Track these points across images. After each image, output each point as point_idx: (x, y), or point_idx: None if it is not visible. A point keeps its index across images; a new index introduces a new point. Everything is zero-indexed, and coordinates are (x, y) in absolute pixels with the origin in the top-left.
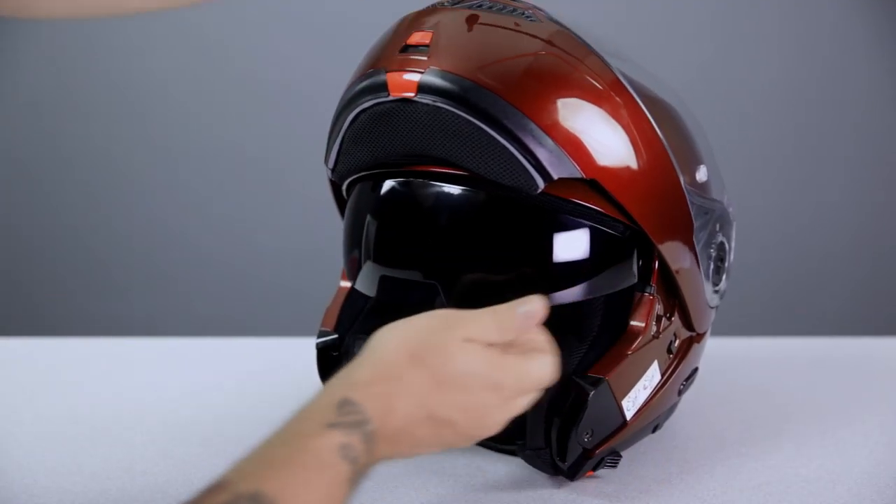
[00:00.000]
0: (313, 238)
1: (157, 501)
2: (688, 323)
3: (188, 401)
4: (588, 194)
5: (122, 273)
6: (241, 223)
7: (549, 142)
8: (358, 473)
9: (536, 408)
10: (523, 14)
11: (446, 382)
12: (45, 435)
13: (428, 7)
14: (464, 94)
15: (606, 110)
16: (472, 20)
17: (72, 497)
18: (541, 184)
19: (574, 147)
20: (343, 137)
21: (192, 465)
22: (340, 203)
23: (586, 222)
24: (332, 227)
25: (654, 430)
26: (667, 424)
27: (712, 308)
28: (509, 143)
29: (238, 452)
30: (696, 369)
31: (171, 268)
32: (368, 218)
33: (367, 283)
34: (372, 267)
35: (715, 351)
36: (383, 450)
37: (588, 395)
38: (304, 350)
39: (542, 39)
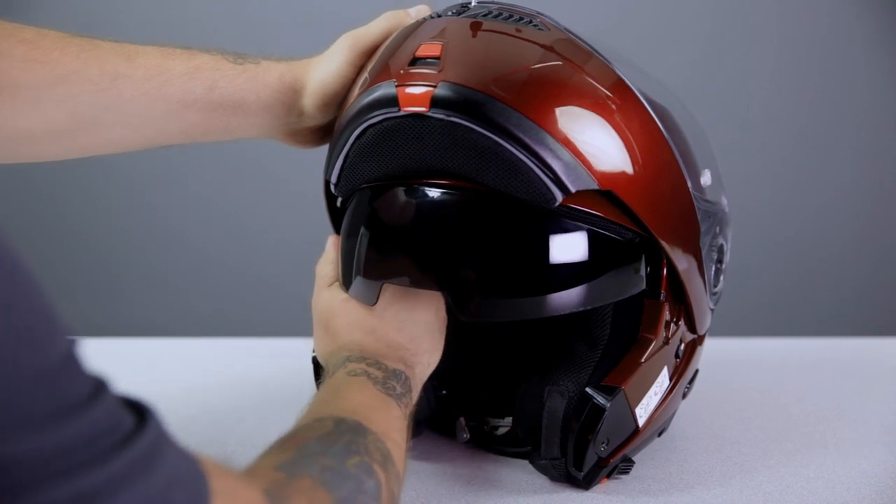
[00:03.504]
0: (313, 238)
1: None
2: (691, 326)
3: (188, 401)
4: (599, 203)
5: (122, 273)
6: (241, 223)
7: (567, 154)
8: (380, 383)
9: (552, 419)
10: (530, 22)
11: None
12: None
13: (431, 16)
14: (478, 107)
15: (619, 119)
16: (477, 30)
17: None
18: (559, 197)
19: (590, 159)
20: (348, 153)
21: None
22: (333, 212)
23: (595, 230)
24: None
25: (659, 434)
26: None
27: (711, 310)
28: (526, 156)
29: (238, 451)
30: (696, 371)
31: (171, 268)
32: (371, 230)
33: (364, 292)
34: (369, 280)
35: (715, 352)
36: (390, 363)
37: (606, 405)
38: (303, 350)
39: (552, 49)
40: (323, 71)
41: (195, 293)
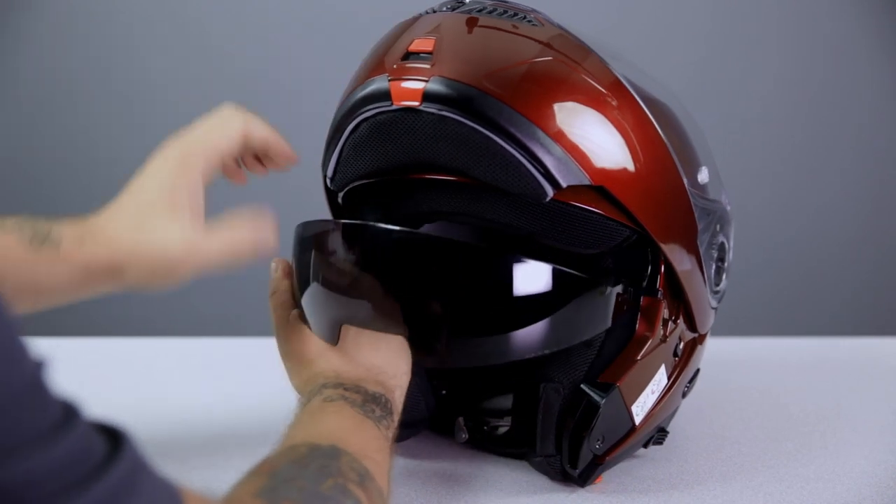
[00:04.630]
0: None
1: None
2: (692, 325)
3: (188, 401)
4: (593, 199)
5: None
6: None
7: (558, 149)
8: (358, 405)
9: (547, 415)
10: (524, 18)
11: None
12: None
13: (426, 11)
14: (470, 102)
15: (611, 115)
16: (473, 25)
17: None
18: (550, 192)
19: (581, 154)
20: (343, 147)
21: (191, 464)
22: (335, 208)
23: (558, 268)
24: None
25: (660, 432)
26: None
27: (713, 309)
28: (517, 151)
29: (238, 451)
30: (698, 370)
31: None
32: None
33: (327, 332)
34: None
35: (715, 351)
36: (370, 387)
37: (600, 402)
38: None
39: (544, 44)
40: (150, 242)
41: (195, 293)
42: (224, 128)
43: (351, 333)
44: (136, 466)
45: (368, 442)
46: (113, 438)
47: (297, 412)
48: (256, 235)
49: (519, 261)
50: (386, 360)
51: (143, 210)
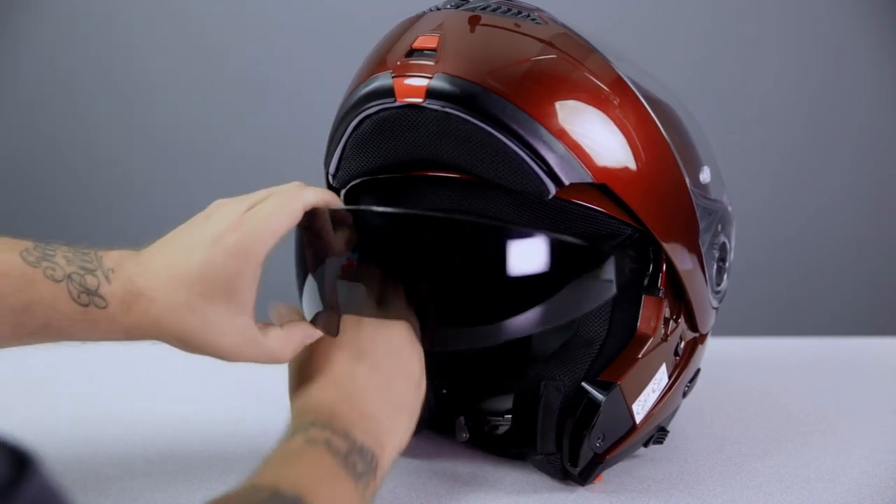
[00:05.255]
0: None
1: (158, 501)
2: (692, 324)
3: (187, 401)
4: (595, 197)
5: None
6: None
7: (560, 147)
8: (340, 456)
9: (548, 413)
10: (528, 16)
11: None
12: (45, 435)
13: (430, 9)
14: (474, 99)
15: (614, 114)
16: (476, 23)
17: (72, 497)
18: (552, 189)
19: (583, 152)
20: (346, 143)
21: (192, 464)
22: None
23: (552, 236)
24: None
25: (661, 431)
26: None
27: (714, 308)
28: (520, 148)
29: (238, 451)
30: (698, 370)
31: None
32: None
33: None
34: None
35: (715, 351)
36: (359, 437)
37: (601, 400)
38: None
39: (547, 42)
40: (204, 326)
41: None
42: (286, 208)
43: (360, 376)
44: (42, 493)
45: (338, 499)
46: (19, 462)
47: (278, 443)
48: (306, 340)
49: (515, 232)
50: (386, 413)
51: (198, 296)
